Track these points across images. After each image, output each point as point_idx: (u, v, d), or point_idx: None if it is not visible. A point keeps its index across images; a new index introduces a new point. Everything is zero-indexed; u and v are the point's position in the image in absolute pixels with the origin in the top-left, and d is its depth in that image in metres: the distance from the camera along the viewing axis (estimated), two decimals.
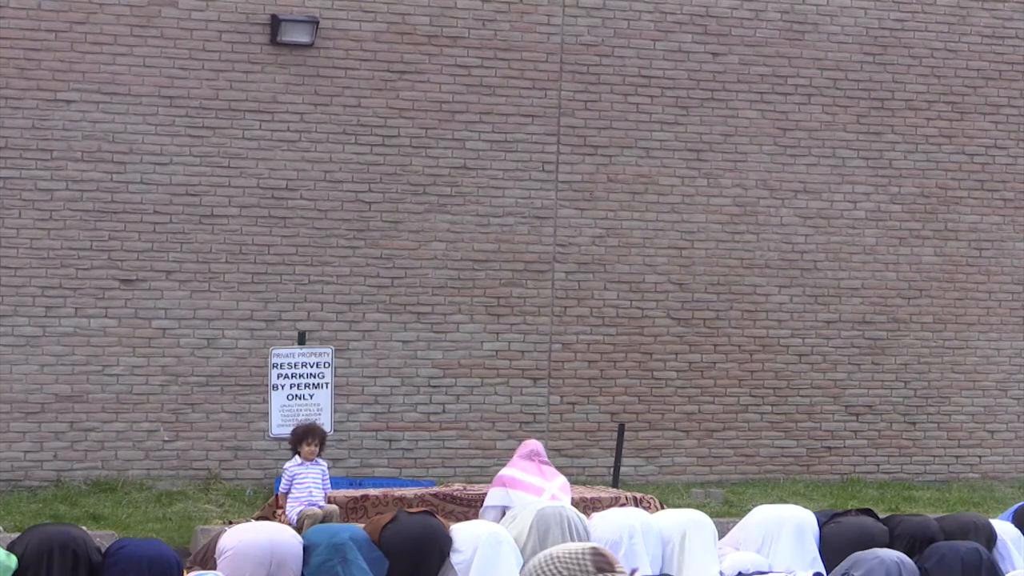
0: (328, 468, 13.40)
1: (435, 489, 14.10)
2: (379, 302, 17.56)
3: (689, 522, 12.62)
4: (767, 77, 18.85)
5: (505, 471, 13.34)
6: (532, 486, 13.15)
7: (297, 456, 13.15)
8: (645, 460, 18.36)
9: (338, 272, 17.42)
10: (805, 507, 13.29)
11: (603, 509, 13.14)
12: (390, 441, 17.57)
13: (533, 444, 13.70)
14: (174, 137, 16.89)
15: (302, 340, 16.24)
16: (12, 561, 10.68)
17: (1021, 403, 19.90)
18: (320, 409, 15.30)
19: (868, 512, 13.02)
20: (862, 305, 19.26)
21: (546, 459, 13.63)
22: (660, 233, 18.50)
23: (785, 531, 12.51)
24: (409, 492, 13.76)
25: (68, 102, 16.58)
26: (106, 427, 16.65)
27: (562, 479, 13.47)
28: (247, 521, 12.91)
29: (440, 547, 11.90)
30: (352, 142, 17.47)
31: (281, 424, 15.12)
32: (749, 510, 13.60)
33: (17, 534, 11.95)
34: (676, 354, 18.56)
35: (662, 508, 13.70)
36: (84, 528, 11.86)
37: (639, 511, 12.90)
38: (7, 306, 16.43)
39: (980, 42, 19.63)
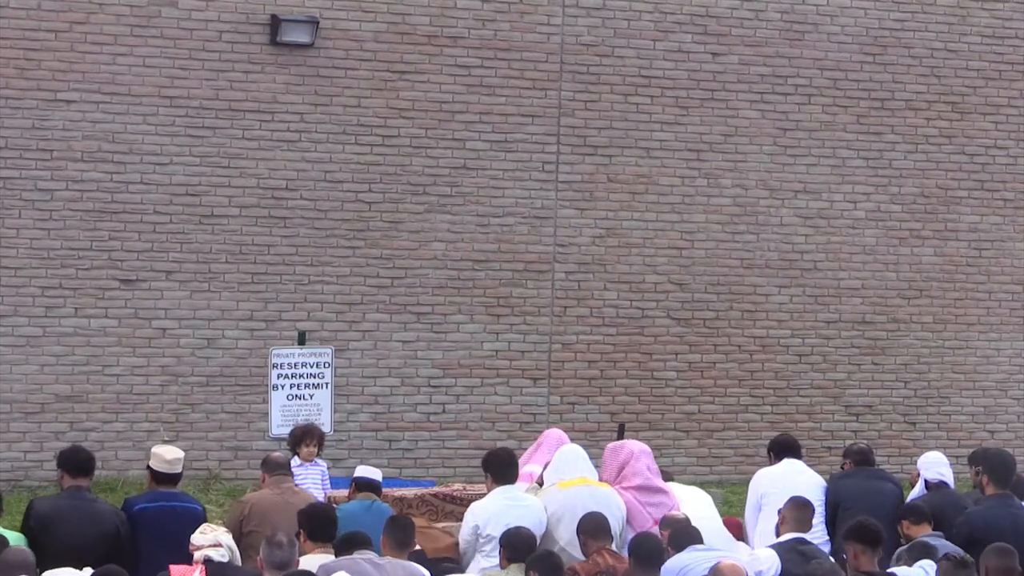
0: (328, 468, 13.41)
1: (435, 489, 14.05)
2: (379, 302, 17.56)
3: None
4: (767, 77, 18.84)
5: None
6: None
7: (296, 457, 13.15)
8: None
9: (338, 272, 17.41)
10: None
11: None
12: (390, 441, 17.57)
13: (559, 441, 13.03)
14: (174, 137, 16.89)
15: (302, 340, 16.24)
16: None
17: (1021, 403, 19.89)
18: (320, 409, 15.29)
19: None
20: (862, 305, 19.25)
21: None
22: (660, 233, 18.49)
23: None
24: (409, 492, 13.74)
25: (68, 102, 16.58)
26: (106, 427, 16.65)
27: None
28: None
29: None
30: (352, 142, 17.46)
31: (281, 424, 15.12)
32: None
33: None
34: (676, 354, 18.55)
35: None
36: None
37: None
38: (7, 306, 16.42)
39: (980, 42, 19.61)
